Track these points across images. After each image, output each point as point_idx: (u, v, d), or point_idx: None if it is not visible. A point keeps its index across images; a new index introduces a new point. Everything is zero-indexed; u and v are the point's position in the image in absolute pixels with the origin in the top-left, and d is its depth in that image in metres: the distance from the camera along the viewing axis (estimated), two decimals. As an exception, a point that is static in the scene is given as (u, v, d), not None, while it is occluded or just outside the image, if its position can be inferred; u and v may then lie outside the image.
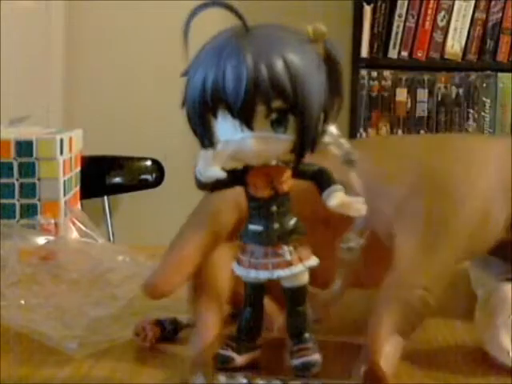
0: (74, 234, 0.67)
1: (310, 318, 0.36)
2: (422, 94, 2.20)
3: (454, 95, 2.20)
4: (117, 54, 2.31)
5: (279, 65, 0.32)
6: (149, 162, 2.04)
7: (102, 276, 0.56)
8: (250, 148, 0.33)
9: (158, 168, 2.03)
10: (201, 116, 0.34)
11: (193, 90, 0.33)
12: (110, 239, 1.92)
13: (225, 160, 0.34)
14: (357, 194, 0.35)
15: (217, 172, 0.33)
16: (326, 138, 0.35)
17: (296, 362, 0.35)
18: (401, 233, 0.40)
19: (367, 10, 2.14)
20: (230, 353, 0.36)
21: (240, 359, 0.36)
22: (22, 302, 0.50)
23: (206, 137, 0.34)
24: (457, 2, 2.14)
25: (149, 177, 2.03)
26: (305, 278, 0.35)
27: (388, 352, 0.37)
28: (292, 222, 0.35)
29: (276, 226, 0.35)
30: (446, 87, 2.19)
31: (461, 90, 2.19)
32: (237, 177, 0.35)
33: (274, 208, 0.35)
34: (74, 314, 0.48)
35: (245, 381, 0.35)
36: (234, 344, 0.36)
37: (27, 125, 1.67)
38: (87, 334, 0.45)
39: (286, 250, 0.35)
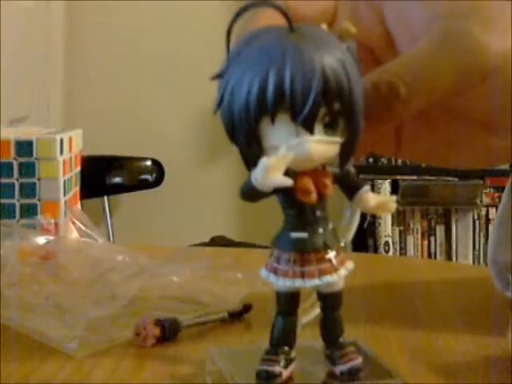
0: (74, 234, 0.67)
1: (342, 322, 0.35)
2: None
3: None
4: (117, 54, 2.31)
5: (338, 67, 0.31)
6: (149, 162, 2.04)
7: (101, 276, 0.56)
8: (308, 152, 0.32)
9: (158, 168, 2.04)
10: (255, 121, 0.32)
11: (244, 94, 0.31)
12: (110, 239, 1.92)
13: (286, 166, 0.32)
14: None
15: (284, 180, 0.31)
16: None
17: (342, 368, 0.34)
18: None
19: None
20: (277, 368, 0.34)
21: (286, 373, 0.34)
22: (22, 302, 0.50)
23: (252, 144, 0.32)
24: (457, 2, 2.14)
25: (149, 177, 2.04)
26: (342, 283, 0.35)
27: None
28: (331, 225, 0.34)
29: (320, 230, 0.34)
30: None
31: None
32: None
33: (319, 213, 0.34)
34: (74, 314, 0.48)
35: None
36: (276, 357, 0.34)
37: (27, 125, 1.67)
38: (87, 334, 0.45)
39: (332, 255, 0.34)
